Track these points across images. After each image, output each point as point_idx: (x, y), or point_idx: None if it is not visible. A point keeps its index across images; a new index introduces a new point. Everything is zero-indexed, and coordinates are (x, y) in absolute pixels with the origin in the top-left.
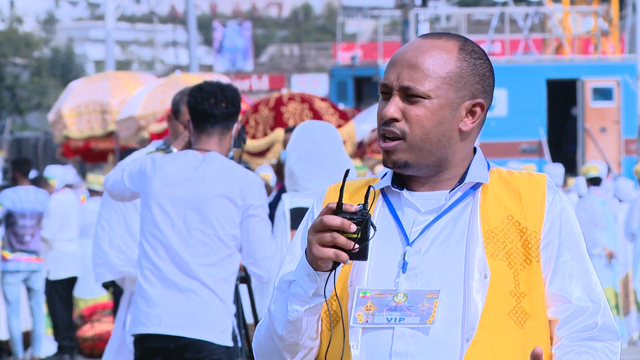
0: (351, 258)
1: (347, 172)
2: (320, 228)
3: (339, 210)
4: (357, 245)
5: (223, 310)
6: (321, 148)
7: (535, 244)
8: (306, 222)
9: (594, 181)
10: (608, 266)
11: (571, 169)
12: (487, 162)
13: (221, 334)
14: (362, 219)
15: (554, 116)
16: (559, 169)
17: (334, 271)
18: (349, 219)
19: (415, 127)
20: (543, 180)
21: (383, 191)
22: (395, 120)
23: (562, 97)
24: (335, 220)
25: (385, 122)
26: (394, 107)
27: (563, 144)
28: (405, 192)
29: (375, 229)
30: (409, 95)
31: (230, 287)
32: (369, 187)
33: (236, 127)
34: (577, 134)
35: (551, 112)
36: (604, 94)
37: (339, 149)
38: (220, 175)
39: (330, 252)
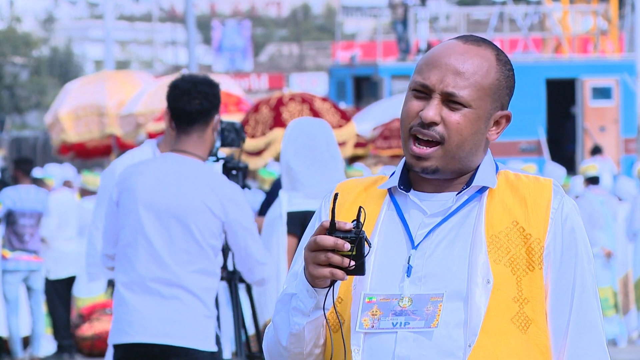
0: (348, 274)
1: (336, 195)
2: (314, 248)
3: (332, 229)
4: (352, 263)
5: (207, 315)
6: (316, 142)
7: (538, 251)
8: (313, 226)
9: (593, 180)
10: (606, 265)
11: (570, 168)
12: (496, 164)
13: (206, 339)
14: (356, 237)
15: (553, 115)
16: (560, 170)
17: (332, 287)
18: (343, 237)
19: (454, 133)
20: (549, 185)
21: (390, 192)
22: (435, 124)
23: (562, 96)
24: (329, 241)
25: (422, 124)
26: (435, 110)
27: (562, 143)
28: (411, 194)
29: (370, 246)
30: (450, 101)
31: (213, 294)
32: (360, 207)
33: (216, 119)
34: (576, 133)
35: (550, 111)
36: (603, 93)
37: (332, 145)
38: (200, 186)
39: (326, 271)
